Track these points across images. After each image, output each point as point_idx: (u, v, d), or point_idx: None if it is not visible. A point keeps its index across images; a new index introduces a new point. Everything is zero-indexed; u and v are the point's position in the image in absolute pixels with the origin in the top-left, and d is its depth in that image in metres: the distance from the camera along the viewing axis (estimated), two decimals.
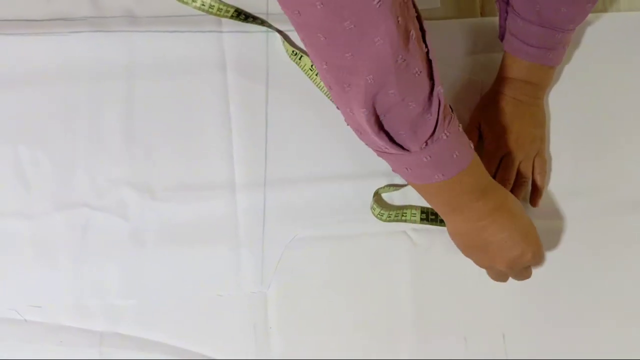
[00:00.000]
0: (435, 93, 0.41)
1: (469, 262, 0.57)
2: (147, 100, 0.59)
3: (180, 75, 0.60)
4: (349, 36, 0.36)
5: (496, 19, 0.59)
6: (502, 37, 0.59)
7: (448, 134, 0.43)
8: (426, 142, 0.43)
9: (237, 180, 0.58)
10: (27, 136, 0.58)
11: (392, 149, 0.43)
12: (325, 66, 0.39)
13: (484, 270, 0.57)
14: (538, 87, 0.58)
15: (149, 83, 0.59)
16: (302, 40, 0.39)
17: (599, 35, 0.63)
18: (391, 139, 0.42)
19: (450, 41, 0.62)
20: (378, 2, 0.35)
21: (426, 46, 0.40)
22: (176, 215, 0.57)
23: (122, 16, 0.60)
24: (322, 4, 0.34)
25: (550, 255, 0.58)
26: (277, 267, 0.57)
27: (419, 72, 0.39)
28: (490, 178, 0.50)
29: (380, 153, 0.45)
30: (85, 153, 0.58)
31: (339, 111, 0.59)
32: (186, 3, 0.60)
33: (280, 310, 0.57)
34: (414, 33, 0.38)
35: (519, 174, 0.58)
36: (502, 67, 0.59)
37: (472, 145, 0.47)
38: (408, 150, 0.43)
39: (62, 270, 0.56)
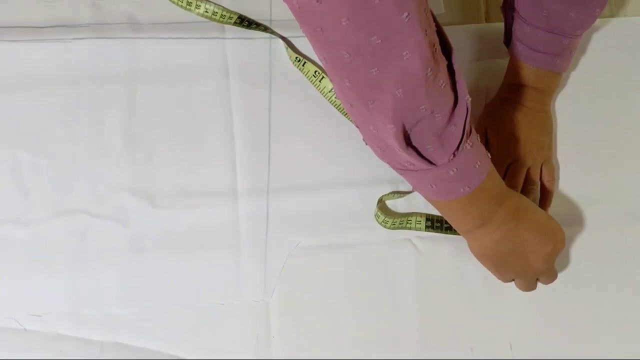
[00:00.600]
0: (459, 104, 0.40)
1: (475, 271, 0.57)
2: (148, 106, 0.59)
3: (183, 81, 0.59)
4: (376, 51, 0.35)
5: (501, 25, 0.59)
6: (507, 43, 0.58)
7: (471, 143, 0.42)
8: (454, 154, 0.42)
9: (240, 187, 0.58)
10: (28, 142, 0.58)
11: (420, 164, 0.42)
12: (347, 84, 0.38)
13: (490, 279, 0.56)
14: (545, 93, 0.58)
15: (151, 89, 0.59)
16: (322, 58, 0.38)
17: (606, 40, 0.62)
18: (419, 154, 0.41)
19: (455, 47, 0.62)
20: (407, 16, 0.34)
21: (448, 58, 0.40)
22: (177, 222, 0.57)
23: (125, 23, 0.60)
24: (347, 19, 0.33)
25: (557, 264, 0.57)
26: (280, 275, 0.57)
27: (444, 85, 0.39)
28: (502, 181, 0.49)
29: (403, 171, 0.44)
30: (85, 159, 0.58)
31: (342, 118, 0.59)
32: (189, 10, 0.60)
33: (283, 320, 0.56)
34: (437, 46, 0.38)
35: (526, 181, 0.57)
36: (508, 73, 0.59)
37: (488, 153, 0.46)
38: (435, 165, 0.42)
39: (61, 278, 0.56)
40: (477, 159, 0.43)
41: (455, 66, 0.40)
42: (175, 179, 0.58)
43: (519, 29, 0.55)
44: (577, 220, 0.59)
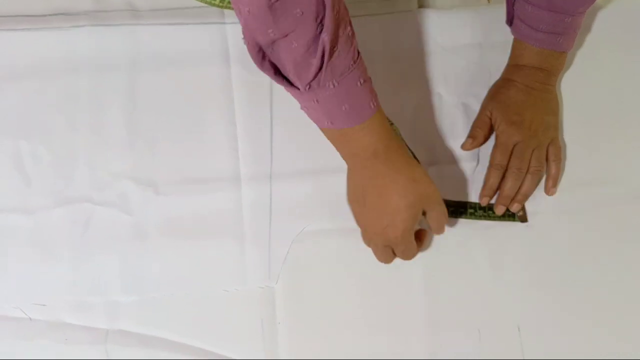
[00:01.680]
0: (321, 39, 0.42)
1: (481, 255, 0.57)
2: (149, 93, 0.58)
3: (184, 68, 0.59)
4: None
5: (503, 6, 0.58)
6: (510, 23, 0.57)
7: (336, 84, 0.44)
8: (309, 85, 0.44)
9: (243, 173, 0.57)
10: (29, 130, 0.57)
11: (279, 83, 0.45)
12: None
13: (497, 263, 0.56)
14: (550, 74, 0.57)
15: (151, 76, 0.59)
16: None
17: (611, 18, 0.61)
18: (277, 72, 0.45)
19: (457, 30, 0.61)
20: None
21: None
22: (180, 209, 0.57)
23: (124, 10, 0.60)
24: None
25: (564, 246, 0.57)
26: (284, 261, 0.56)
27: (300, 13, 0.40)
28: (397, 145, 0.49)
29: (287, 87, 0.46)
30: (87, 147, 0.57)
31: None
32: None
33: (288, 306, 0.56)
34: None
35: (532, 162, 0.56)
36: (512, 55, 0.58)
37: (375, 106, 0.47)
38: (298, 88, 0.44)
39: (64, 266, 0.56)
40: (345, 102, 0.45)
41: (327, 2, 0.41)
42: (177, 166, 0.57)
43: (520, 8, 0.55)
44: (583, 201, 0.58)
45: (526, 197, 0.57)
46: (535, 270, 0.57)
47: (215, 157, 0.58)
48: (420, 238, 0.54)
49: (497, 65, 0.60)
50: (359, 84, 0.45)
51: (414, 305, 0.56)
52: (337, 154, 0.57)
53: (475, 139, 0.58)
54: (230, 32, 0.59)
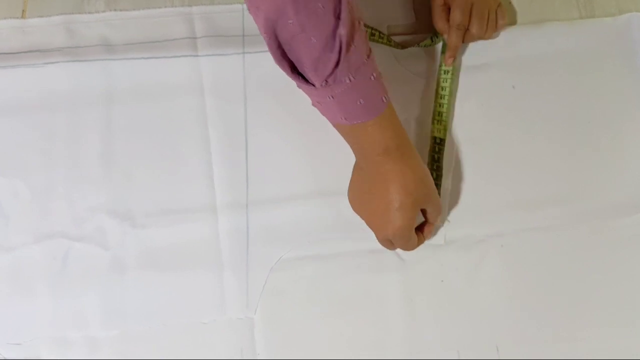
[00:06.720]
0: (337, 33, 0.42)
1: (458, 276, 0.57)
2: (125, 126, 0.59)
3: (159, 100, 0.59)
4: None
5: None
6: None
7: (352, 78, 0.44)
8: (326, 80, 0.44)
9: (219, 203, 0.58)
10: (5, 167, 0.57)
11: (294, 80, 0.45)
12: None
13: (474, 283, 0.56)
14: None
15: (127, 109, 0.59)
16: None
17: (579, 42, 0.63)
18: (294, 69, 0.45)
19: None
20: None
21: None
22: (157, 241, 0.56)
23: (98, 45, 0.60)
24: None
25: (539, 264, 0.57)
26: (262, 290, 0.56)
27: (322, 7, 0.41)
28: (407, 144, 0.51)
29: (299, 84, 0.46)
30: (64, 182, 0.57)
31: (318, 129, 0.59)
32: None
33: (267, 335, 0.55)
34: None
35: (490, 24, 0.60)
36: None
37: (386, 100, 0.48)
38: (313, 85, 0.45)
39: (42, 303, 0.55)
40: (360, 96, 0.46)
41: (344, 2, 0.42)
42: (154, 197, 0.58)
43: None
44: (558, 218, 0.59)
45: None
46: (512, 289, 0.57)
47: (191, 187, 0.58)
48: (423, 230, 0.56)
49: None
50: (372, 77, 0.46)
51: (393, 331, 0.56)
52: (313, 180, 0.58)
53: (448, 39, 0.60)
54: (203, 64, 0.60)
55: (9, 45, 0.60)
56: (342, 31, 0.42)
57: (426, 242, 0.57)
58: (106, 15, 0.61)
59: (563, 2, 0.64)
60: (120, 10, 0.61)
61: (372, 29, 0.61)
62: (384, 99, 0.48)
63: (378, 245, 0.57)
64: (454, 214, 0.59)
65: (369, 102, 0.47)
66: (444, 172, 0.59)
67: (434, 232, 0.58)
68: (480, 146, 0.60)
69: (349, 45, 0.43)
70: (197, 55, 0.60)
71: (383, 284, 0.57)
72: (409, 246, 0.54)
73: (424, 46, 0.62)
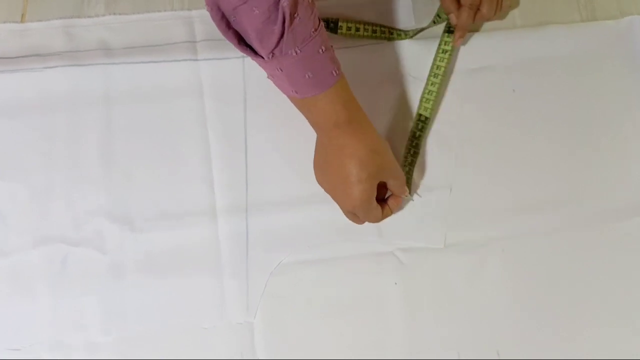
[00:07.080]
0: (280, 4, 0.42)
1: (458, 279, 0.57)
2: (125, 130, 0.59)
3: (158, 104, 0.59)
4: None
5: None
6: None
7: (298, 51, 0.45)
8: (273, 52, 0.44)
9: (218, 206, 0.57)
10: (4, 170, 0.57)
11: (242, 51, 0.45)
12: None
13: (476, 283, 0.56)
14: None
15: (126, 113, 0.59)
16: None
17: (579, 44, 0.63)
18: (241, 41, 0.45)
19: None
20: None
21: None
22: (156, 245, 0.56)
23: (97, 49, 0.60)
24: None
25: (539, 268, 0.57)
26: (262, 294, 0.56)
27: None
28: (361, 117, 0.51)
29: (252, 56, 0.46)
30: (63, 185, 0.57)
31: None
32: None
33: (267, 339, 0.55)
34: None
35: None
36: None
37: (337, 74, 0.48)
38: (262, 57, 0.45)
39: (41, 308, 0.55)
40: (308, 70, 0.46)
41: None
42: (153, 201, 0.57)
43: None
44: (559, 221, 0.59)
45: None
46: (512, 290, 0.57)
47: (191, 190, 0.58)
48: (389, 203, 0.56)
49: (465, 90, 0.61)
50: (320, 51, 0.46)
51: (393, 334, 0.56)
52: (313, 183, 0.58)
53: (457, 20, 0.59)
54: (202, 68, 0.60)
55: (8, 49, 0.59)
56: (285, 2, 0.42)
57: (426, 246, 0.57)
58: (106, 19, 0.61)
59: (564, 4, 0.64)
60: (120, 13, 0.61)
61: (372, 25, 0.61)
62: (334, 72, 0.48)
63: (378, 249, 0.58)
64: (454, 217, 0.58)
65: (318, 75, 0.47)
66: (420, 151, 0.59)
67: (402, 205, 0.58)
68: (481, 147, 0.60)
69: (292, 16, 0.43)
70: (196, 59, 0.60)
71: (383, 288, 0.57)
72: (371, 218, 0.54)
73: (427, 28, 0.61)
